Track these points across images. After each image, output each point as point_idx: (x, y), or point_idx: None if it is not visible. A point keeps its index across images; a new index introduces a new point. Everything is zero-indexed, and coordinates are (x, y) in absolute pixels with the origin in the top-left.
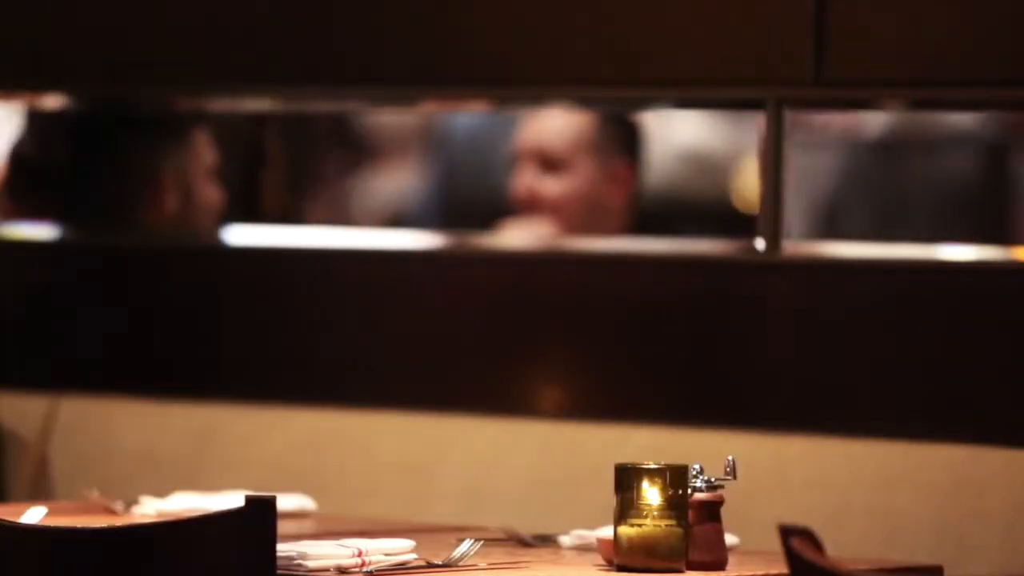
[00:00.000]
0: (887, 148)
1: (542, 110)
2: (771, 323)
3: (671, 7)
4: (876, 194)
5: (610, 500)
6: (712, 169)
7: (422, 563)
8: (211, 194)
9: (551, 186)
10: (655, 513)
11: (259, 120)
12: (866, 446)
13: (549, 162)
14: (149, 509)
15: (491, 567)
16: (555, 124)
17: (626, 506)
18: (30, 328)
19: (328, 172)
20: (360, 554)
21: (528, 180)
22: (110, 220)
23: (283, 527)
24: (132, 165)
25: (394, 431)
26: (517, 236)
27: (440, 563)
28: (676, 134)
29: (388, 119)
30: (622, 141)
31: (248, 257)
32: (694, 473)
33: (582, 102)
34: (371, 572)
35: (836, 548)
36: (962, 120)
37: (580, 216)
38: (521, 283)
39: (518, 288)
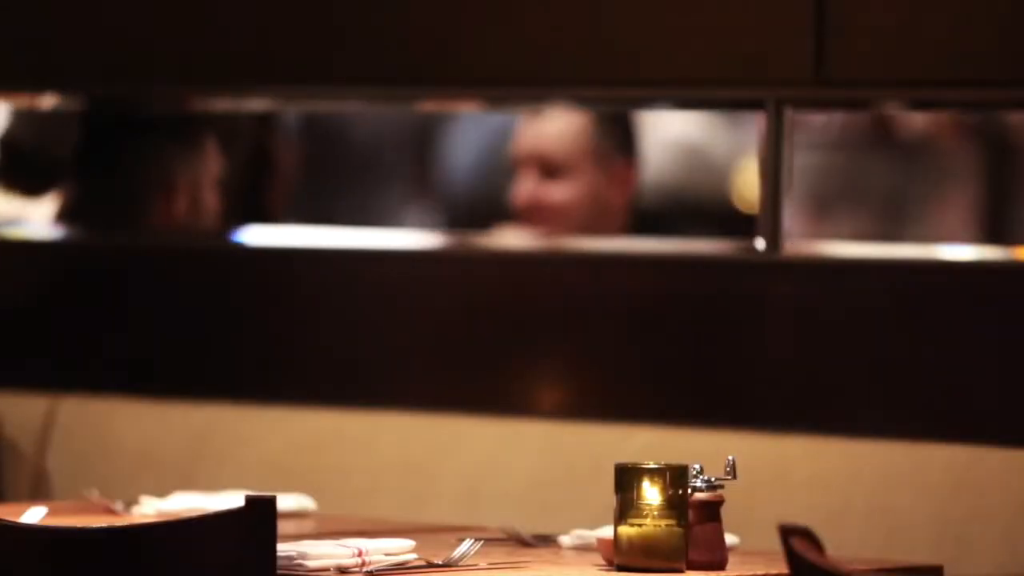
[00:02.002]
0: (887, 148)
1: (540, 112)
2: (771, 323)
3: (670, 7)
4: (877, 194)
5: (610, 500)
6: (712, 169)
7: (422, 563)
8: (211, 199)
9: (553, 193)
10: (655, 513)
11: (261, 120)
12: (866, 446)
13: (549, 168)
14: (149, 509)
15: (491, 567)
16: (553, 129)
17: (626, 506)
18: (30, 328)
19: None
20: (360, 554)
21: (530, 187)
22: (110, 220)
23: (283, 527)
24: (132, 165)
25: (394, 431)
26: (517, 236)
27: (440, 563)
28: (676, 133)
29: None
30: (621, 140)
31: (248, 257)
32: (694, 473)
33: (581, 102)
34: (371, 572)
35: (836, 548)
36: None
37: (582, 219)
38: (521, 283)
39: (518, 288)
